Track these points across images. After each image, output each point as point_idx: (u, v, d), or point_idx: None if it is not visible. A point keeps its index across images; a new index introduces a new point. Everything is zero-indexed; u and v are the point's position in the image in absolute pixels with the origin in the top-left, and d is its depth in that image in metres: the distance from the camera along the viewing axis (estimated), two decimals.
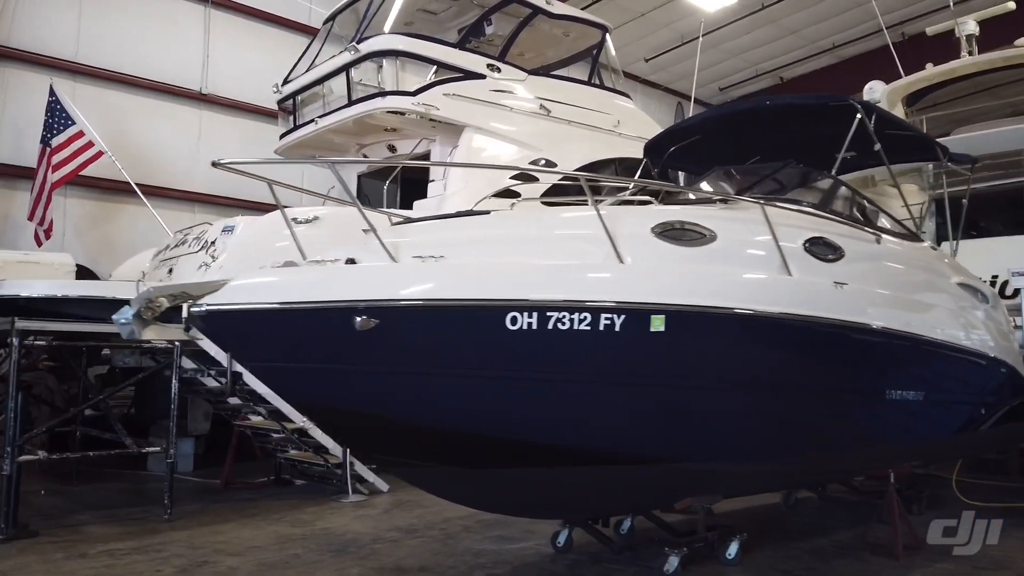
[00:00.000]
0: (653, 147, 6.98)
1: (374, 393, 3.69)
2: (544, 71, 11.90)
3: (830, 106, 5.75)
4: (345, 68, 10.21)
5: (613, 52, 12.75)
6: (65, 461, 7.87)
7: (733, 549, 5.11)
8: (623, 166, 11.71)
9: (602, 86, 12.49)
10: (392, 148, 11.42)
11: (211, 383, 7.39)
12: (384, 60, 10.08)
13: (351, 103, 10.22)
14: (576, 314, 3.70)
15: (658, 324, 3.83)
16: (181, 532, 6.07)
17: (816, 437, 4.83)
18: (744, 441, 4.45)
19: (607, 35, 12.61)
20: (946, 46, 13.46)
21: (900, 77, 13.81)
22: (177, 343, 6.47)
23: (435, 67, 10.57)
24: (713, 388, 4.13)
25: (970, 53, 12.57)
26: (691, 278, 4.03)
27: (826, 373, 4.63)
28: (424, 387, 3.69)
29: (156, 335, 4.00)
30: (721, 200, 4.90)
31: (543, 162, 10.75)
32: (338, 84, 10.80)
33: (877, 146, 5.58)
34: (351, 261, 3.86)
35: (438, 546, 5.64)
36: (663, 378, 4.00)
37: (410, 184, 11.27)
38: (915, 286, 5.37)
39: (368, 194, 11.69)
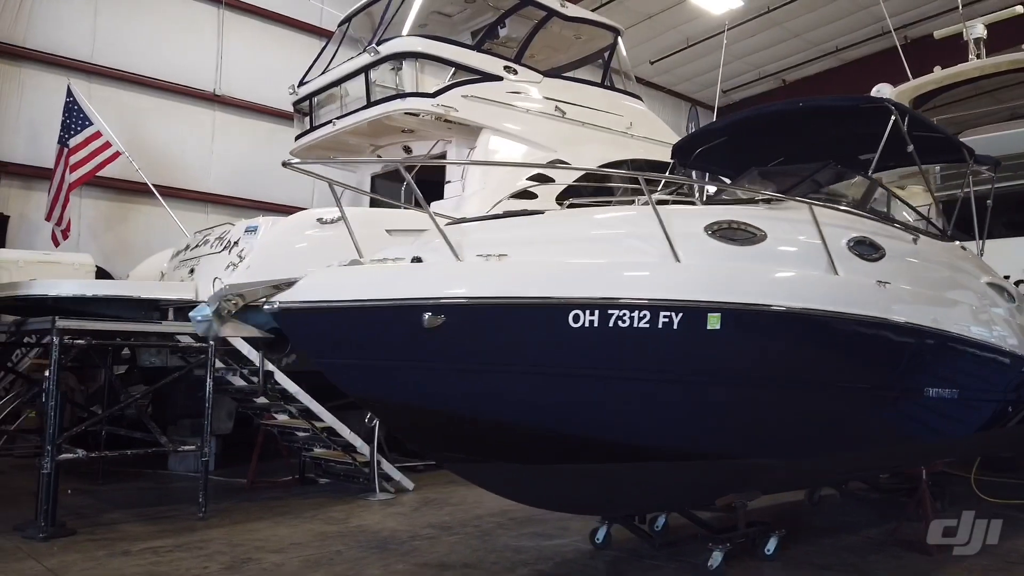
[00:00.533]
0: (682, 148, 7.06)
1: (441, 390, 3.75)
2: (556, 73, 11.98)
3: (863, 107, 5.84)
4: (364, 69, 10.27)
5: (624, 54, 12.84)
6: (90, 460, 7.88)
7: (772, 545, 5.18)
8: (636, 168, 11.81)
9: (614, 88, 12.58)
10: (408, 149, 11.49)
11: (239, 382, 7.44)
12: (404, 62, 10.15)
13: (370, 104, 10.27)
14: (636, 312, 3.77)
15: (714, 322, 3.90)
16: (218, 530, 6.11)
17: (858, 434, 4.91)
18: (793, 437, 4.53)
19: (619, 37, 12.71)
20: (952, 49, 13.63)
21: (905, 79, 13.99)
22: (212, 342, 6.51)
23: (453, 69, 10.67)
24: (767, 385, 4.21)
25: (978, 56, 12.70)
26: (745, 277, 4.10)
27: (870, 370, 4.72)
28: (490, 384, 3.76)
29: (233, 332, 4.04)
30: (765, 200, 4.98)
31: (559, 164, 10.84)
32: (354, 86, 10.87)
33: (910, 147, 5.67)
34: (417, 260, 3.91)
35: (476, 543, 5.70)
36: (719, 375, 4.07)
37: (426, 185, 11.28)
38: (950, 285, 5.46)
39: (382, 195, 11.74)
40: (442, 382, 3.73)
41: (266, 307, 3.53)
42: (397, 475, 7.74)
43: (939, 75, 13.00)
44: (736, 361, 4.09)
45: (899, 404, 5.07)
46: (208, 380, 6.54)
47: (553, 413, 3.90)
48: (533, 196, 10.33)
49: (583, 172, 10.07)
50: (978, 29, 12.75)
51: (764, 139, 6.77)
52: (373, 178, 12.17)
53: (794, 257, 4.38)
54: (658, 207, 4.01)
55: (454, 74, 10.69)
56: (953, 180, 9.90)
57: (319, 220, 8.46)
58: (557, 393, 3.84)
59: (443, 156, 11.04)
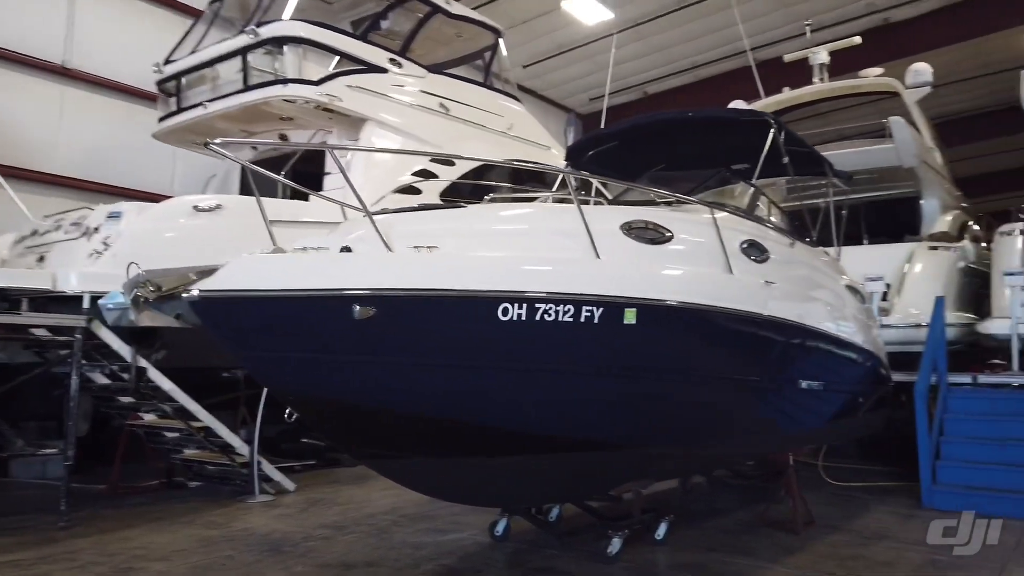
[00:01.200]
0: (576, 150, 7.27)
1: (370, 384, 3.66)
2: (439, 69, 11.94)
3: (746, 120, 6.26)
4: (242, 51, 9.76)
5: (505, 55, 13.01)
6: None
7: (662, 530, 5.47)
8: (516, 169, 11.99)
9: (495, 89, 12.71)
10: (284, 137, 11.02)
11: (101, 380, 6.88)
12: (286, 47, 9.75)
13: (247, 89, 9.78)
14: (561, 306, 3.85)
15: (630, 317, 4.06)
16: (85, 539, 5.63)
17: (744, 423, 5.27)
18: (691, 427, 4.79)
19: (500, 39, 12.86)
20: (798, 71, 14.93)
21: (754, 97, 15.17)
22: (78, 335, 5.97)
23: (337, 58, 10.38)
24: (673, 377, 4.43)
25: (821, 80, 13.91)
26: (656, 274, 4.29)
27: (758, 363, 5.08)
28: (419, 377, 3.70)
29: (151, 322, 3.72)
30: (666, 201, 5.22)
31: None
32: (226, 68, 10.32)
33: (786, 159, 6.13)
34: (346, 249, 3.79)
35: (374, 541, 5.60)
36: (633, 368, 4.23)
37: (303, 176, 10.90)
38: (820, 286, 5.98)
39: (251, 185, 11.20)
40: (372, 376, 3.64)
41: (185, 295, 3.30)
42: (277, 476, 7.45)
43: (788, 95, 14.16)
44: (647, 354, 4.28)
45: (780, 395, 5.48)
46: (74, 377, 6.00)
47: (479, 406, 3.91)
48: (417, 192, 10.27)
49: (476, 164, 10.03)
50: (822, 56, 13.96)
51: (650, 145, 7.09)
52: (244, 165, 11.58)
53: (696, 257, 4.63)
54: (588, 207, 4.12)
55: (338, 63, 10.39)
56: (798, 192, 10.85)
57: (195, 208, 7.99)
58: (485, 386, 3.85)
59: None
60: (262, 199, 4.28)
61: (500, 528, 5.52)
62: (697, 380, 4.63)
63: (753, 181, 5.91)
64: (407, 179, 10.24)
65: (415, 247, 3.78)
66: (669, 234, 4.51)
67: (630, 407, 4.36)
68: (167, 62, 10.93)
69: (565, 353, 3.97)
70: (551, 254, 4.06)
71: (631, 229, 4.36)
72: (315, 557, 5.12)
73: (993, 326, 8.89)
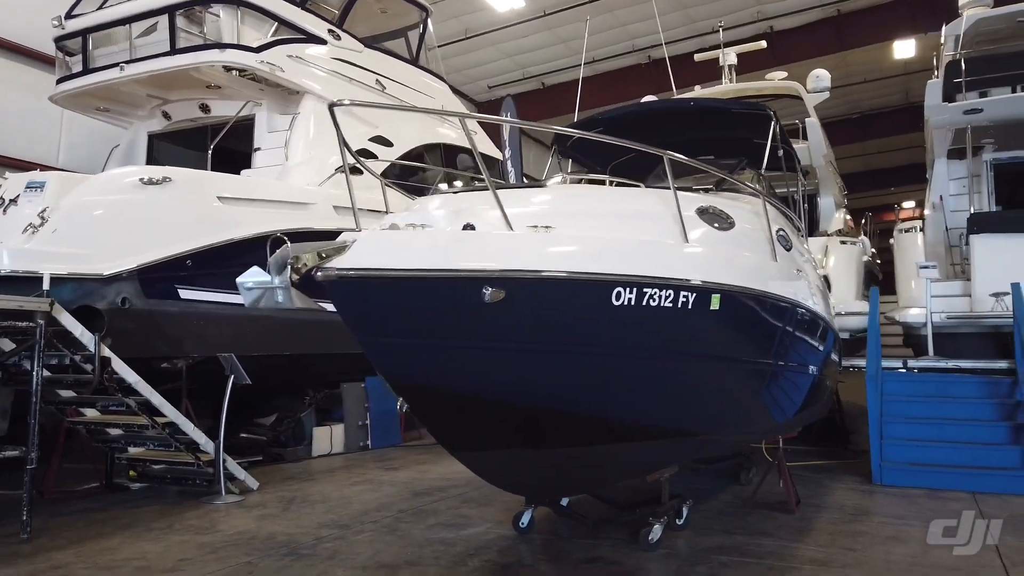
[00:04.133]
0: (562, 136, 7.17)
1: (496, 372, 3.40)
2: (373, 45, 11.43)
3: (748, 112, 6.42)
4: (169, 10, 8.89)
5: (433, 34, 12.68)
6: None
7: (684, 514, 5.51)
8: (448, 152, 11.75)
9: (425, 69, 12.35)
10: (206, 108, 10.16)
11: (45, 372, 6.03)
12: (222, 9, 8.97)
13: (175, 52, 8.91)
14: (665, 291, 3.77)
15: (715, 303, 4.05)
16: (62, 552, 4.94)
17: (774, 406, 5.41)
18: (750, 411, 4.86)
19: (428, 17, 12.50)
20: (685, 69, 15.73)
21: (659, 93, 15.78)
22: (40, 322, 5.20)
23: (275, 24, 9.66)
24: (743, 364, 4.47)
25: (731, 80, 14.58)
26: (731, 260, 4.30)
27: (790, 349, 5.25)
28: (546, 366, 3.49)
29: (302, 303, 3.22)
30: (704, 188, 5.26)
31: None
32: (141, 28, 9.36)
33: (781, 151, 6.36)
34: (469, 227, 3.49)
35: (393, 539, 5.29)
36: (716, 355, 4.23)
37: (224, 154, 10.08)
38: (816, 274, 6.26)
39: (160, 158, 10.26)
40: (495, 365, 3.39)
41: (319, 275, 2.92)
42: (242, 474, 6.89)
43: (698, 93, 14.73)
44: (724, 341, 4.30)
45: (796, 378, 5.68)
46: (36, 369, 5.21)
47: (597, 395, 3.76)
48: (360, 172, 9.78)
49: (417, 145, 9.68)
50: (731, 57, 14.61)
51: (638, 134, 7.12)
52: (151, 137, 10.59)
53: (752, 244, 4.70)
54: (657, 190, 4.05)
55: (275, 31, 9.68)
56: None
57: (141, 180, 7.18)
58: (600, 375, 3.71)
59: (251, 119, 9.96)
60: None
61: (525, 520, 5.37)
62: (751, 366, 4.71)
63: (763, 171, 6.07)
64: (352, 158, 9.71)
65: (533, 227, 3.55)
66: (731, 220, 4.54)
67: (713, 394, 4.36)
68: (69, 16, 9.76)
69: (666, 340, 3.90)
70: (649, 237, 3.96)
71: (704, 214, 4.35)
72: (345, 559, 4.76)
73: (909, 315, 9.68)
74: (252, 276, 3.00)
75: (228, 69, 8.99)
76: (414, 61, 12.14)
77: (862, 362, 8.52)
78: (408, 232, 3.35)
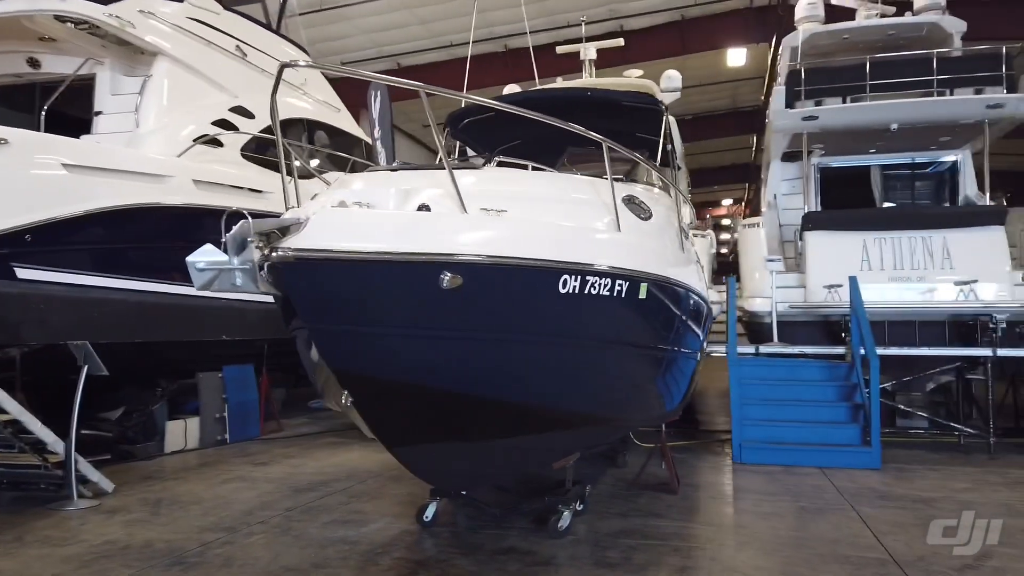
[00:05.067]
0: (455, 118, 7.02)
1: (451, 362, 3.20)
2: (231, 7, 10.59)
3: (641, 105, 6.56)
4: None
5: (295, 2, 12.00)
6: None
7: (585, 500, 5.58)
8: (310, 129, 11.20)
9: (288, 39, 11.65)
10: (35, 62, 8.96)
11: None
12: None
13: None
14: (603, 279, 3.76)
15: (643, 292, 4.10)
16: None
17: (656, 392, 5.56)
18: (658, 395, 4.97)
19: None
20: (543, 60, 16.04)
21: (519, 81, 15.92)
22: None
23: None
24: (660, 349, 4.56)
25: (591, 75, 14.95)
26: (656, 250, 4.37)
27: (684, 335, 5.42)
28: (502, 355, 3.33)
29: (265, 288, 2.74)
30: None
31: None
32: None
33: (670, 146, 6.57)
34: (424, 208, 3.25)
35: (290, 540, 4.94)
36: (636, 342, 4.28)
37: (59, 116, 8.96)
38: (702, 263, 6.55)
39: None
40: (454, 353, 3.20)
41: (276, 255, 2.59)
42: (96, 475, 6.16)
43: (561, 85, 14.98)
44: (646, 328, 4.36)
45: (680, 362, 5.89)
46: None
47: (539, 383, 3.66)
48: (220, 144, 9.07)
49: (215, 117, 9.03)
50: (591, 52, 14.98)
51: (527, 120, 7.10)
52: None
53: (666, 234, 4.80)
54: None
55: None
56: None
57: None
58: (544, 363, 3.61)
59: (91, 79, 8.91)
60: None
61: (430, 513, 5.21)
62: (660, 352, 4.82)
63: (658, 163, 6.22)
64: (209, 130, 8.98)
65: (484, 209, 3.39)
66: (650, 211, 4.61)
67: (631, 380, 4.41)
68: None
69: (600, 327, 3.89)
70: (588, 224, 3.92)
71: (629, 203, 4.39)
72: (244, 566, 4.38)
73: (756, 304, 10.42)
74: (205, 255, 2.62)
75: (60, 19, 7.96)
76: (275, 29, 11.40)
77: (721, 348, 9.05)
78: (368, 212, 3.09)
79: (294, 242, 2.78)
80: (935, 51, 10.44)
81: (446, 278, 3.02)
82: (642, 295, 4.06)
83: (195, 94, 9.00)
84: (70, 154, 6.83)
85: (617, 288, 3.82)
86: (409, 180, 3.63)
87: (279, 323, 8.77)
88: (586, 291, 3.64)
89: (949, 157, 11.42)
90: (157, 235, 7.78)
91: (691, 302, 5.23)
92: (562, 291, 3.51)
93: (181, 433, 8.60)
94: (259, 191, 9.26)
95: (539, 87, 13.38)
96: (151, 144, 8.22)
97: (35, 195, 6.50)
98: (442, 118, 7.29)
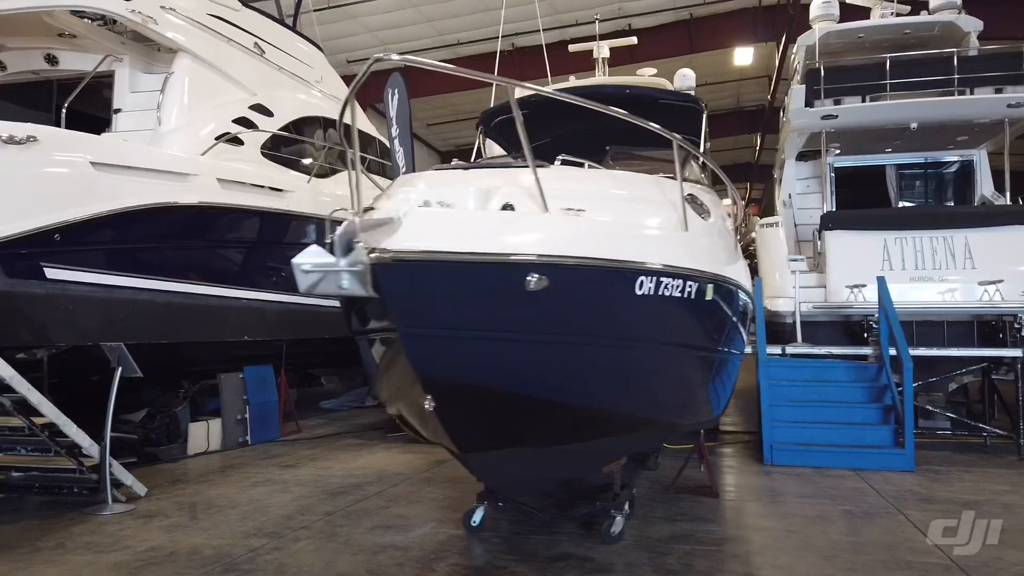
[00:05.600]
0: (488, 116, 6.93)
1: (536, 366, 3.10)
2: (248, 3, 10.45)
3: (678, 103, 6.46)
4: None
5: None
6: None
7: (632, 504, 5.49)
8: (326, 127, 11.07)
9: (303, 36, 11.53)
10: (52, 59, 8.81)
11: None
12: None
13: None
14: (675, 281, 3.67)
15: (711, 293, 4.01)
16: None
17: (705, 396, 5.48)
18: (702, 398, 4.87)
19: None
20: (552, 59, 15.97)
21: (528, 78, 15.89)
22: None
23: None
24: (721, 352, 4.46)
25: (604, 73, 14.88)
26: (721, 251, 4.28)
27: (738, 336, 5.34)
28: (579, 358, 3.24)
29: (369, 292, 2.62)
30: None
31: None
32: None
33: (708, 144, 6.48)
34: (509, 207, 3.15)
35: (338, 546, 4.84)
36: (704, 346, 4.18)
37: (76, 115, 8.81)
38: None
39: None
40: (538, 357, 3.10)
41: (375, 256, 2.48)
42: (129, 479, 6.04)
43: (574, 83, 14.90)
44: (710, 329, 4.26)
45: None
46: None
47: (619, 388, 3.56)
48: (241, 142, 8.95)
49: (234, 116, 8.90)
50: (604, 51, 14.91)
51: (559, 118, 6.99)
52: None
53: (722, 233, 4.71)
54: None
55: None
56: None
57: (2, 139, 6.08)
58: (618, 365, 3.52)
59: (110, 76, 8.78)
60: None
61: (477, 518, 5.10)
62: (716, 354, 4.73)
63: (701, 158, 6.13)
64: (230, 128, 8.86)
65: (566, 209, 3.29)
66: (708, 210, 4.52)
67: (691, 383, 4.32)
68: None
69: (672, 329, 3.80)
70: (657, 223, 3.82)
71: (692, 202, 4.30)
72: (299, 573, 4.28)
73: (778, 304, 10.34)
74: (312, 257, 2.50)
75: (79, 15, 7.83)
76: (291, 26, 11.28)
77: (749, 349, 8.96)
78: (462, 213, 2.99)
79: (390, 243, 2.67)
80: (955, 50, 10.39)
81: (532, 280, 2.92)
82: (708, 296, 3.97)
83: (216, 91, 8.88)
84: (98, 152, 6.71)
85: (688, 289, 3.73)
86: (483, 179, 3.53)
87: (297, 323, 8.62)
88: (659, 293, 3.54)
89: (965, 157, 11.38)
90: (183, 234, 7.66)
91: (742, 302, 5.15)
92: (638, 293, 3.42)
93: (204, 435, 8.48)
94: (280, 190, 9.14)
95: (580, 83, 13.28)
96: (173, 142, 8.09)
97: (64, 194, 6.37)
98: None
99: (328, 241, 2.60)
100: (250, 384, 9.17)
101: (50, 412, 5.32)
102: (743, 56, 21.84)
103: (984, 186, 11.33)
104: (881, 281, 8.96)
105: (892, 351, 8.33)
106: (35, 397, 5.21)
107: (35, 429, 5.29)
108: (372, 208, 3.08)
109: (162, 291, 7.36)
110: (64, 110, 8.01)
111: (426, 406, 3.11)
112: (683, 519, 5.55)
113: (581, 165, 5.04)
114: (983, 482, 6.85)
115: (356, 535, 5.06)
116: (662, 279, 3.54)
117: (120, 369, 5.98)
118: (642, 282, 3.42)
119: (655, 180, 4.18)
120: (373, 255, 2.61)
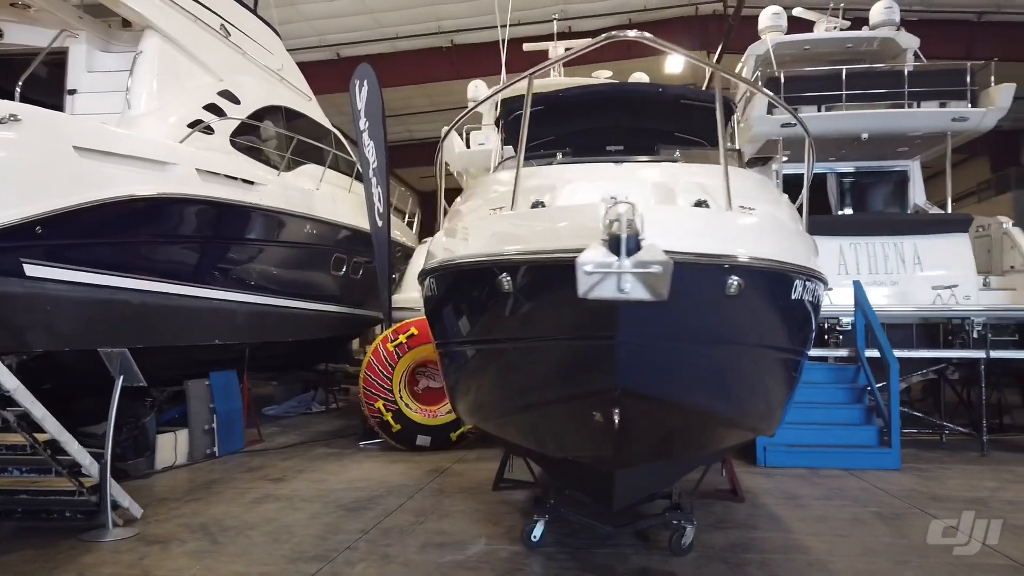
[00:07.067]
0: (508, 109, 6.65)
1: (707, 375, 2.87)
2: None
3: (702, 101, 6.37)
4: None
5: None
6: None
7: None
8: (288, 117, 10.49)
9: (265, 21, 10.86)
10: None
11: None
12: None
13: None
14: (808, 282, 3.54)
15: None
16: None
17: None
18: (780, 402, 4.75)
19: None
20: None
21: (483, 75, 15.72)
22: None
23: None
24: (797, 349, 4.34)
25: (560, 75, 14.82)
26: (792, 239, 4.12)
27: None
28: (742, 365, 3.03)
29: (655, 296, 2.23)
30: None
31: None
32: None
33: (731, 144, 6.44)
34: (702, 204, 2.91)
35: (400, 568, 4.47)
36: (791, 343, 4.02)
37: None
38: None
39: None
40: (712, 364, 2.87)
41: (648, 257, 2.20)
42: (127, 500, 5.41)
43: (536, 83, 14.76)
44: (797, 327, 4.13)
45: None
46: None
47: (743, 394, 3.36)
48: (211, 131, 8.30)
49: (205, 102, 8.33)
50: (560, 51, 14.87)
51: (576, 115, 6.81)
52: None
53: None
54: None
55: None
56: None
57: None
58: (772, 372, 3.34)
59: (62, 53, 7.97)
60: None
61: (538, 533, 4.81)
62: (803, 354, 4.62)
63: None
64: (200, 115, 8.21)
65: (742, 207, 3.08)
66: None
67: (787, 386, 4.18)
68: None
69: (792, 332, 3.66)
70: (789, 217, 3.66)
71: None
72: None
73: None
74: (595, 256, 2.17)
75: None
76: (253, 8, 10.60)
77: None
78: (694, 211, 2.75)
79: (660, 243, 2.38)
80: (905, 65, 10.93)
81: (734, 284, 2.71)
82: (820, 294, 3.88)
83: (184, 74, 8.19)
84: (81, 136, 6.00)
85: (818, 292, 3.63)
86: (590, 174, 3.29)
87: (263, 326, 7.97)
88: (803, 297, 3.41)
89: (901, 167, 11.98)
90: (161, 228, 6.99)
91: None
92: (793, 297, 3.28)
93: (171, 447, 7.78)
94: (251, 182, 8.53)
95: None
96: (145, 128, 7.38)
97: (47, 181, 5.65)
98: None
99: (605, 238, 2.27)
100: (216, 391, 8.50)
101: (53, 428, 4.67)
102: (674, 64, 22.24)
103: (917, 195, 11.96)
104: (858, 285, 9.25)
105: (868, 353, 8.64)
106: (39, 412, 4.56)
107: (38, 447, 4.62)
108: (541, 204, 2.78)
109: (139, 291, 6.69)
110: (18, 89, 7.14)
111: (596, 418, 2.81)
112: (729, 526, 5.46)
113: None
114: (972, 479, 7.13)
115: (411, 555, 4.69)
116: (807, 283, 3.42)
117: (121, 378, 5.34)
118: (796, 285, 3.29)
119: (746, 174, 4.02)
120: (676, 257, 2.29)
